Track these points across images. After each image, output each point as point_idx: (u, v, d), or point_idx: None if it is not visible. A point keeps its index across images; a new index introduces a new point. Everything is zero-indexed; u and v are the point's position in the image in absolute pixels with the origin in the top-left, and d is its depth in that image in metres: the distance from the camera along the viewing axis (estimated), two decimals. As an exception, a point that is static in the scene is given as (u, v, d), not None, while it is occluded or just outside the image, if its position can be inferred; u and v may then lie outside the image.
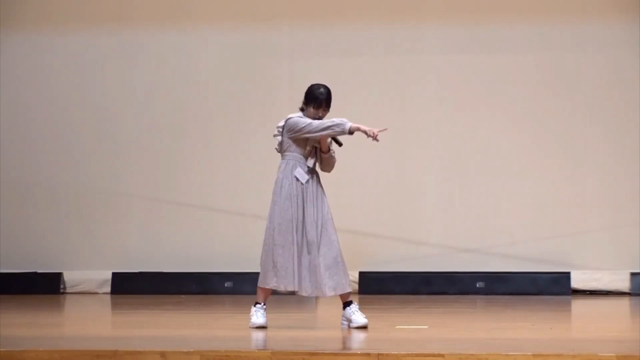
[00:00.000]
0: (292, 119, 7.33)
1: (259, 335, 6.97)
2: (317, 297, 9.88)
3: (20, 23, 11.90)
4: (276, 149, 7.43)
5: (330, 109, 7.47)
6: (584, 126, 11.33)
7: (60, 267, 11.75)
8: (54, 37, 11.88)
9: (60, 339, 6.90)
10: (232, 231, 11.52)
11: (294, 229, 7.31)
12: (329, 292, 7.29)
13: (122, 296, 11.29)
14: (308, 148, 7.37)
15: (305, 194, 7.33)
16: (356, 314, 7.29)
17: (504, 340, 6.60)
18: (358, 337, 6.87)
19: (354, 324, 7.27)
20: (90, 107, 11.86)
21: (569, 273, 11.17)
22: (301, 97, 7.46)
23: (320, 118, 7.32)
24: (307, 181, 7.34)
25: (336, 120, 7.25)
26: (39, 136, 11.87)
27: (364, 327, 7.23)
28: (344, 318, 7.37)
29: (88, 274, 11.70)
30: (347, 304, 7.34)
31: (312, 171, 7.39)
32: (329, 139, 7.40)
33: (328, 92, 7.37)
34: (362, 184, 11.34)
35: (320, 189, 7.39)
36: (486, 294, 11.13)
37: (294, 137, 7.31)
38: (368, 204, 11.35)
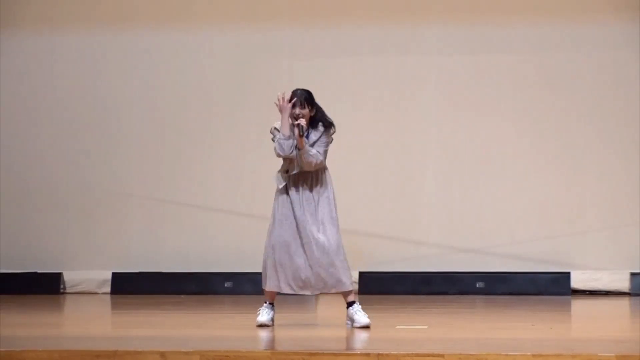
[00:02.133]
0: None
1: (258, 335, 6.98)
2: (317, 297, 9.92)
3: (22, 23, 11.89)
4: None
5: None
6: (584, 126, 11.32)
7: (60, 267, 11.74)
8: (54, 37, 11.87)
9: (60, 339, 6.90)
10: (232, 231, 11.51)
11: (282, 228, 7.37)
12: (325, 289, 7.36)
13: (122, 296, 11.28)
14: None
15: (293, 197, 7.38)
16: (358, 314, 7.34)
17: (504, 340, 6.60)
18: (358, 337, 6.87)
19: (356, 324, 7.31)
20: (90, 107, 11.85)
21: (569, 273, 11.17)
22: (301, 97, 7.53)
23: (297, 116, 7.36)
24: (291, 185, 7.38)
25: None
26: (39, 136, 11.87)
27: (366, 327, 7.25)
28: (347, 318, 7.42)
29: (88, 274, 11.69)
30: (349, 304, 7.38)
31: (295, 175, 7.42)
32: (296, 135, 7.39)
33: (298, 93, 7.44)
34: (362, 184, 11.34)
35: (315, 190, 7.43)
36: (486, 294, 11.12)
37: None
38: (368, 203, 11.34)
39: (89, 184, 11.77)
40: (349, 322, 7.39)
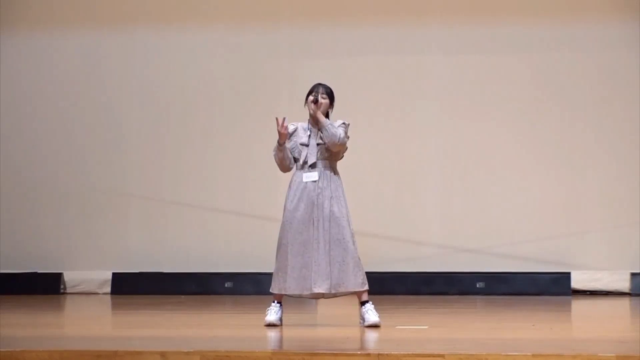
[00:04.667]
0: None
1: (259, 335, 6.97)
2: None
3: (22, 23, 11.89)
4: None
5: (333, 109, 7.58)
6: (584, 126, 11.33)
7: (60, 267, 11.74)
8: (54, 37, 11.88)
9: (60, 339, 6.90)
10: (232, 231, 11.52)
11: (290, 229, 7.38)
12: (328, 290, 7.36)
13: (122, 296, 11.28)
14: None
15: (303, 195, 7.40)
16: (369, 313, 7.37)
17: (504, 340, 6.60)
18: (358, 337, 6.87)
19: (366, 323, 7.35)
20: (90, 107, 11.86)
21: (569, 273, 11.17)
22: (302, 97, 7.56)
23: (315, 100, 7.44)
24: (311, 181, 7.41)
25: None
26: (39, 136, 11.87)
27: (375, 326, 7.28)
28: (360, 316, 7.45)
29: (88, 274, 11.70)
30: (362, 303, 7.41)
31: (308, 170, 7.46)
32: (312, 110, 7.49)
33: (324, 84, 7.55)
34: (363, 184, 11.33)
35: (329, 188, 7.44)
36: (486, 294, 11.12)
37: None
38: (368, 204, 11.34)
39: (89, 184, 11.78)
40: (361, 321, 7.42)
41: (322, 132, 7.40)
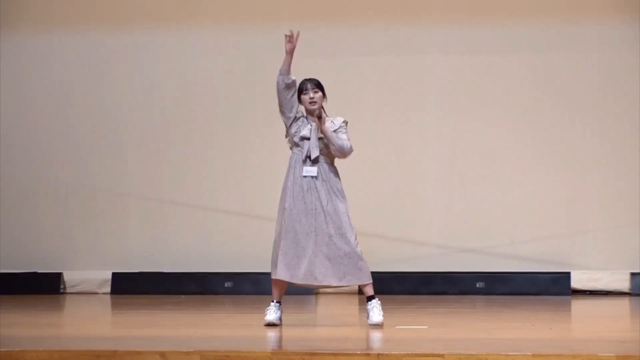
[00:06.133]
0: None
1: (259, 335, 6.98)
2: (317, 296, 9.92)
3: (22, 23, 11.89)
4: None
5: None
6: (584, 126, 11.33)
7: (60, 267, 11.74)
8: (54, 37, 11.88)
9: (60, 339, 6.90)
10: (232, 231, 11.51)
11: (286, 217, 7.38)
12: (327, 282, 7.38)
13: (122, 296, 11.28)
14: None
15: (303, 185, 7.40)
16: (374, 311, 7.38)
17: (504, 340, 6.60)
18: (358, 337, 6.87)
19: (369, 321, 7.37)
20: (90, 107, 11.86)
21: (569, 273, 11.17)
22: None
23: (312, 100, 7.50)
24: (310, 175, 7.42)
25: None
26: (39, 136, 11.87)
27: (377, 325, 7.29)
28: (366, 312, 7.47)
29: (88, 274, 11.70)
30: (368, 298, 7.42)
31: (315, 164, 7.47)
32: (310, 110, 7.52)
33: (311, 79, 7.66)
34: (362, 184, 11.33)
35: (328, 182, 7.44)
36: (486, 294, 11.12)
37: None
38: (368, 204, 11.34)
39: (89, 184, 11.77)
40: (366, 316, 7.44)
41: (329, 145, 7.41)
